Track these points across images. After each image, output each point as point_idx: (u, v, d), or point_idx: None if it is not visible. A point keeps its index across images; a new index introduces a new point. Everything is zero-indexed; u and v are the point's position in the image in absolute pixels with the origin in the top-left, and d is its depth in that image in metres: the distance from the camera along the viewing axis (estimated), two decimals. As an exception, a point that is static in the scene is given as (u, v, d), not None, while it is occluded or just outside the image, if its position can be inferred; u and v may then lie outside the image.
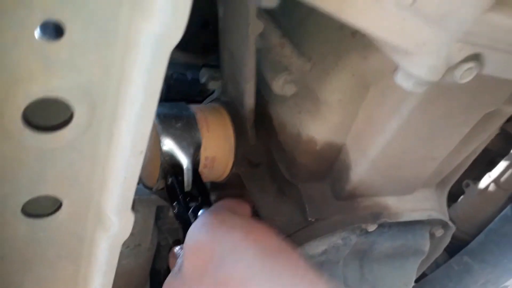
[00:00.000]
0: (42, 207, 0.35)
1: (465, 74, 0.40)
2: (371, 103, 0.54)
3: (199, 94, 0.81)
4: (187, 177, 0.58)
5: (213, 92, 0.75)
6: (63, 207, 0.35)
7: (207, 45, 0.79)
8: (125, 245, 0.72)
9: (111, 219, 0.35)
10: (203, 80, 0.72)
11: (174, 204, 0.59)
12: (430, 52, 0.38)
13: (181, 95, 0.84)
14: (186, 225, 0.56)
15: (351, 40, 0.50)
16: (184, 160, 0.59)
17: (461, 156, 0.67)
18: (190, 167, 0.59)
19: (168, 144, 0.58)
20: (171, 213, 0.79)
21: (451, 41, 0.37)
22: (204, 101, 0.74)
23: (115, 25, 0.25)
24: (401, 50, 0.39)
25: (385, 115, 0.53)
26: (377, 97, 0.53)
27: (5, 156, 0.28)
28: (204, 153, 0.62)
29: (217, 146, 0.63)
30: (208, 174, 0.65)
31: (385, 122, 0.53)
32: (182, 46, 0.76)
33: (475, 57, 0.40)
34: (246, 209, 0.58)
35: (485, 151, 1.36)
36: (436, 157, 0.61)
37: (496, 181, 1.19)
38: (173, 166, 0.59)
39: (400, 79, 0.41)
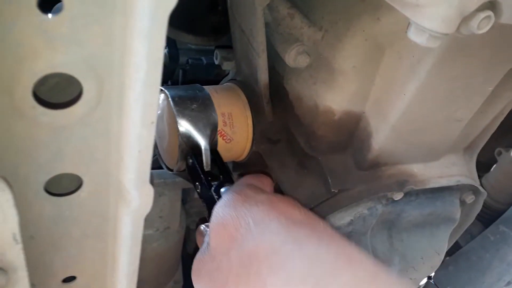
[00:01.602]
0: (64, 186, 0.36)
1: (482, 24, 0.38)
2: (388, 67, 0.52)
3: (215, 78, 0.82)
4: (206, 157, 0.59)
5: (228, 73, 0.75)
6: (84, 185, 0.36)
7: (217, 27, 0.79)
8: (155, 228, 0.74)
9: (131, 194, 0.36)
10: (217, 61, 0.72)
11: (196, 184, 0.60)
12: (442, 2, 0.36)
13: (197, 80, 0.84)
14: (210, 203, 0.57)
15: (361, 3, 0.49)
16: (202, 141, 0.59)
17: (487, 117, 0.65)
18: (207, 147, 0.59)
19: (185, 126, 0.59)
20: (197, 196, 0.81)
21: (463, -12, 0.36)
22: (220, 82, 0.74)
23: (113, -5, 0.26)
24: (412, 3, 0.38)
25: (402, 78, 0.51)
26: (393, 60, 0.51)
27: (20, 134, 0.29)
28: (221, 132, 0.62)
29: (235, 125, 0.63)
30: (230, 151, 0.65)
31: (403, 85, 0.51)
32: (192, 29, 0.77)
33: (491, 5, 0.38)
34: (268, 183, 0.58)
35: (517, 116, 1.30)
36: (460, 119, 0.59)
37: (530, 146, 1.14)
38: (191, 147, 0.59)
39: (414, 35, 0.40)
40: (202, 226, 0.60)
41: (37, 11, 0.25)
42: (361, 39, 0.50)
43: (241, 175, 0.62)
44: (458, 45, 0.46)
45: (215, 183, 0.58)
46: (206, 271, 0.48)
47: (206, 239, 0.52)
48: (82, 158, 0.33)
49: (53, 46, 0.26)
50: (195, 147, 0.59)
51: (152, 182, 0.37)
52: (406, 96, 0.51)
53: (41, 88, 0.29)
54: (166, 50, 0.88)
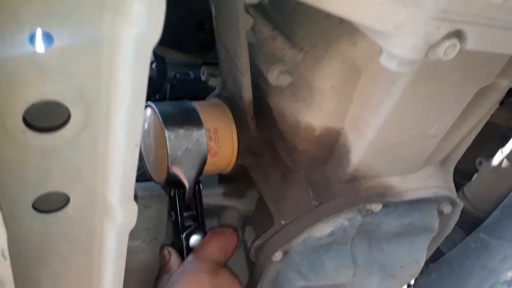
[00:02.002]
0: (52, 203, 0.38)
1: (448, 51, 0.41)
2: (364, 87, 0.55)
3: (202, 91, 0.84)
4: (188, 194, 0.65)
5: (214, 88, 0.77)
6: (71, 202, 0.38)
7: (204, 44, 0.81)
8: (141, 239, 0.75)
9: (116, 210, 0.38)
10: (203, 77, 0.75)
11: (172, 213, 0.66)
12: (409, 32, 0.39)
13: (185, 93, 0.87)
14: (178, 239, 0.66)
15: (338, 28, 0.52)
16: (186, 182, 0.64)
17: (461, 132, 0.68)
18: (192, 186, 0.64)
19: (174, 169, 0.62)
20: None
21: (428, 20, 0.38)
22: (207, 98, 0.76)
23: (100, 32, 0.28)
24: (382, 33, 0.40)
25: (378, 97, 0.54)
26: (369, 81, 0.54)
27: (11, 157, 0.31)
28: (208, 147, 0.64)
29: (220, 140, 0.65)
30: (215, 164, 0.68)
31: (379, 104, 0.54)
32: (180, 47, 0.79)
33: (456, 34, 0.41)
34: (232, 244, 0.66)
35: (497, 127, 1.35)
36: (435, 135, 0.61)
37: (509, 157, 1.17)
38: (177, 181, 0.63)
39: (385, 61, 0.42)
40: (166, 251, 0.67)
41: (30, 45, 0.27)
42: (339, 61, 0.53)
43: (211, 229, 0.68)
44: (429, 68, 0.49)
45: (189, 212, 0.65)
46: None
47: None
48: (69, 177, 0.35)
49: (44, 76, 0.28)
50: (180, 182, 0.64)
51: (136, 198, 0.39)
52: (382, 114, 0.54)
53: (29, 109, 0.31)
54: (154, 65, 0.90)
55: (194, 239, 0.66)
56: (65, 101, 0.30)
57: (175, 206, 0.66)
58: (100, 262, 0.43)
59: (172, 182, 0.65)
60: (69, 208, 0.38)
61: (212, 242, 0.65)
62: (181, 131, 0.62)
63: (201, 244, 0.65)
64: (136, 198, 0.39)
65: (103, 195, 0.37)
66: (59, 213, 0.38)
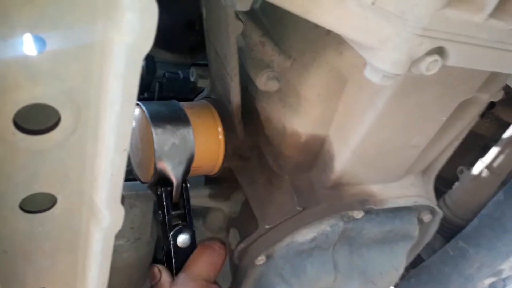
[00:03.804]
0: (39, 204, 0.38)
1: (430, 66, 0.43)
2: (349, 96, 0.56)
3: (191, 92, 0.84)
4: (176, 191, 0.64)
5: (203, 89, 0.78)
6: (58, 203, 0.38)
7: (194, 45, 0.82)
8: (125, 238, 0.76)
9: (102, 212, 0.38)
10: (192, 78, 0.75)
11: (159, 212, 0.65)
12: (393, 47, 0.40)
13: (174, 93, 0.87)
14: (166, 238, 0.65)
15: (326, 37, 0.53)
16: (174, 179, 0.63)
17: (443, 143, 0.70)
18: (180, 183, 0.64)
19: (161, 165, 0.62)
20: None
21: (411, 36, 0.40)
22: (195, 99, 0.77)
23: (91, 37, 0.28)
24: (367, 46, 0.42)
25: (362, 107, 0.55)
26: (354, 91, 0.55)
27: (0, 158, 0.31)
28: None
29: (207, 142, 0.66)
30: (202, 166, 0.68)
31: (363, 114, 0.55)
32: (170, 47, 0.79)
33: (438, 50, 0.42)
34: (221, 257, 0.66)
35: (479, 137, 1.38)
36: (417, 145, 0.63)
37: (489, 166, 1.20)
38: (164, 178, 0.63)
39: (369, 74, 0.44)
40: (156, 269, 0.66)
41: (21, 49, 0.28)
42: (326, 70, 0.54)
43: (202, 241, 0.68)
44: (412, 81, 0.50)
45: (177, 212, 0.65)
46: None
47: None
48: (57, 179, 0.36)
49: (35, 80, 0.29)
50: (168, 179, 0.63)
51: (122, 202, 0.39)
52: (365, 123, 0.55)
53: (20, 111, 0.32)
54: (143, 63, 0.90)
55: (182, 238, 0.65)
56: (55, 104, 0.31)
57: (162, 205, 0.65)
58: (85, 262, 0.43)
59: (159, 181, 0.65)
60: (56, 209, 0.38)
61: (201, 258, 0.65)
62: (168, 127, 0.62)
63: (191, 260, 0.65)
64: (123, 201, 0.39)
65: (90, 198, 0.38)
66: (46, 214, 0.38)
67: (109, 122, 0.32)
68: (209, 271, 0.64)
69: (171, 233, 0.65)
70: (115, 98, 0.30)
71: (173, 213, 0.65)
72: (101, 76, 0.30)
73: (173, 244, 0.65)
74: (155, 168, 0.62)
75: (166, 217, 0.65)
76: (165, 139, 0.62)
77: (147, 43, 0.28)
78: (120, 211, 0.38)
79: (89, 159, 0.35)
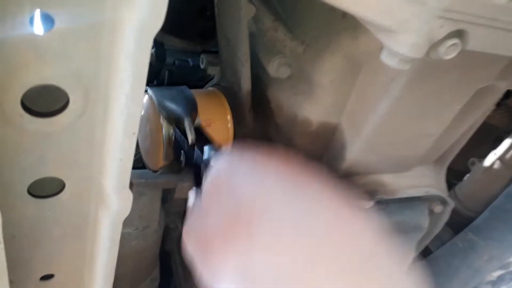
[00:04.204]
0: (47, 188, 0.37)
1: (449, 50, 0.41)
2: (363, 83, 0.55)
3: (201, 80, 0.83)
4: (189, 127, 0.59)
5: (213, 77, 0.77)
6: (66, 188, 0.37)
7: (205, 31, 0.80)
8: (134, 226, 0.75)
9: (111, 198, 0.37)
10: (202, 65, 0.74)
11: (181, 153, 0.60)
12: (412, 30, 0.39)
13: (183, 81, 0.86)
14: (196, 169, 0.54)
15: (341, 22, 0.51)
16: (183, 114, 0.60)
17: (457, 132, 0.68)
18: (189, 118, 0.60)
19: (165, 103, 0.60)
20: (177, 196, 0.82)
21: (431, 18, 0.38)
22: (205, 87, 0.76)
23: (101, 16, 0.27)
24: (385, 28, 0.40)
25: (376, 94, 0.54)
26: (369, 77, 0.54)
27: (8, 140, 0.31)
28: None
29: (215, 129, 0.65)
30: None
31: (377, 101, 0.54)
32: (180, 33, 0.78)
33: (458, 33, 0.40)
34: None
35: (491, 128, 1.36)
36: (431, 134, 0.62)
37: (501, 158, 1.19)
38: (174, 119, 0.60)
39: (386, 57, 0.42)
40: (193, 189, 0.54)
41: (30, 27, 0.27)
42: (340, 56, 0.53)
43: None
44: (428, 66, 0.49)
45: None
46: (195, 230, 0.43)
47: (196, 201, 0.46)
48: (65, 163, 0.35)
49: (43, 60, 0.28)
50: (178, 120, 0.60)
51: (131, 186, 0.38)
52: (379, 111, 0.54)
53: (28, 93, 0.31)
54: (153, 50, 0.89)
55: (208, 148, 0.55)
56: (64, 86, 0.30)
57: (180, 144, 0.59)
58: (93, 249, 0.43)
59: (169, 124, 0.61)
60: (64, 194, 0.37)
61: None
62: (169, 92, 0.62)
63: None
64: (131, 186, 0.38)
65: (98, 183, 0.37)
66: (54, 199, 0.38)
67: (118, 104, 0.31)
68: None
69: (196, 153, 0.55)
70: (125, 79, 0.29)
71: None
72: (110, 57, 0.29)
73: (201, 156, 0.54)
74: (161, 114, 0.60)
75: (186, 145, 0.58)
76: (163, 93, 0.61)
77: (157, 22, 0.27)
78: (129, 196, 0.38)
79: (98, 143, 0.34)
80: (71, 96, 0.30)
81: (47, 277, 0.44)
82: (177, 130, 0.60)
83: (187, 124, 0.59)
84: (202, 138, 0.58)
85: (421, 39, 0.39)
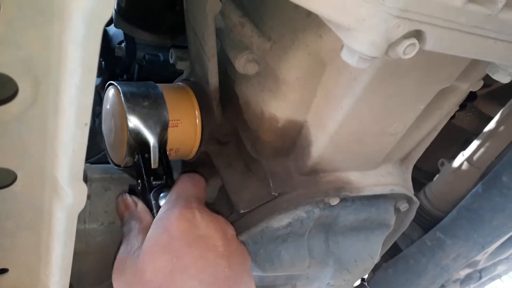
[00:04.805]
0: (-2, 180, 0.36)
1: (407, 50, 0.42)
2: (328, 81, 0.55)
3: (172, 74, 0.83)
4: (154, 154, 0.60)
5: (183, 72, 0.77)
6: (18, 180, 0.36)
7: (174, 26, 0.80)
8: (99, 222, 0.74)
9: (65, 190, 0.37)
10: (172, 60, 0.74)
11: (138, 181, 0.61)
12: (370, 28, 0.39)
13: (154, 75, 0.85)
14: (147, 204, 0.60)
15: (306, 19, 0.52)
16: (151, 139, 0.60)
17: (421, 132, 0.70)
18: (156, 145, 0.60)
19: (135, 122, 0.60)
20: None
21: (388, 17, 0.39)
22: (174, 81, 0.75)
23: (50, 2, 0.27)
24: (344, 27, 0.41)
25: (340, 93, 0.54)
26: (333, 75, 0.54)
27: (-48, 128, 0.30)
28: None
29: (182, 129, 0.65)
30: (175, 154, 0.66)
31: (341, 99, 0.55)
32: (149, 27, 0.77)
33: (416, 34, 0.41)
34: (202, 187, 0.61)
35: (461, 131, 1.39)
36: (394, 133, 0.63)
37: (469, 159, 1.22)
38: (140, 144, 0.60)
39: (345, 55, 0.43)
40: (130, 199, 0.61)
41: (-27, 12, 0.26)
42: (305, 53, 0.53)
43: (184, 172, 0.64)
44: (390, 66, 0.50)
45: (157, 182, 0.59)
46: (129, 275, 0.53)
47: (135, 243, 0.55)
48: (16, 154, 0.34)
49: (-12, 46, 0.27)
50: (143, 144, 0.60)
51: (85, 179, 0.38)
52: (343, 109, 0.55)
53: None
54: (123, 44, 0.88)
55: (163, 195, 0.59)
56: (12, 74, 0.29)
57: (141, 170, 0.60)
58: (48, 242, 0.42)
59: (135, 149, 0.61)
60: (16, 186, 0.37)
61: (186, 184, 0.59)
62: (140, 100, 0.61)
63: (175, 189, 0.59)
64: (85, 179, 0.38)
65: (52, 174, 0.36)
66: (6, 190, 0.37)
67: (69, 95, 0.30)
68: (196, 191, 0.59)
69: (152, 192, 0.59)
70: (74, 68, 0.29)
71: (154, 183, 0.60)
72: (60, 45, 0.29)
73: (154, 204, 0.58)
74: (128, 130, 0.59)
75: (145, 178, 0.59)
76: (135, 100, 0.60)
77: (107, 10, 0.26)
78: (83, 189, 0.37)
79: (50, 134, 0.34)
80: (20, 85, 0.30)
81: (1, 272, 0.43)
82: (140, 156, 0.61)
83: (152, 150, 0.60)
84: (164, 163, 0.61)
85: (378, 38, 0.40)
